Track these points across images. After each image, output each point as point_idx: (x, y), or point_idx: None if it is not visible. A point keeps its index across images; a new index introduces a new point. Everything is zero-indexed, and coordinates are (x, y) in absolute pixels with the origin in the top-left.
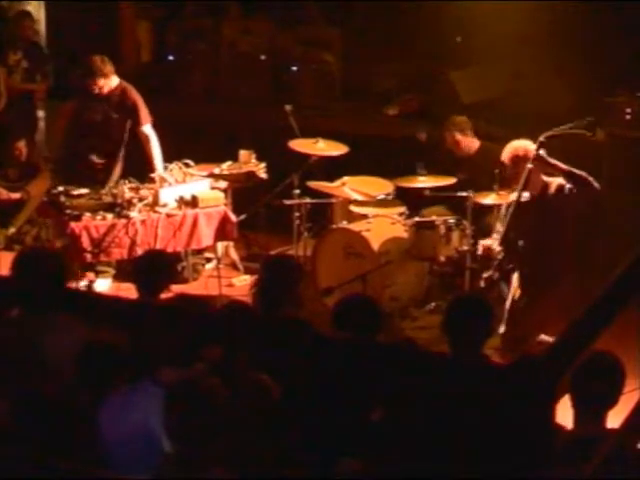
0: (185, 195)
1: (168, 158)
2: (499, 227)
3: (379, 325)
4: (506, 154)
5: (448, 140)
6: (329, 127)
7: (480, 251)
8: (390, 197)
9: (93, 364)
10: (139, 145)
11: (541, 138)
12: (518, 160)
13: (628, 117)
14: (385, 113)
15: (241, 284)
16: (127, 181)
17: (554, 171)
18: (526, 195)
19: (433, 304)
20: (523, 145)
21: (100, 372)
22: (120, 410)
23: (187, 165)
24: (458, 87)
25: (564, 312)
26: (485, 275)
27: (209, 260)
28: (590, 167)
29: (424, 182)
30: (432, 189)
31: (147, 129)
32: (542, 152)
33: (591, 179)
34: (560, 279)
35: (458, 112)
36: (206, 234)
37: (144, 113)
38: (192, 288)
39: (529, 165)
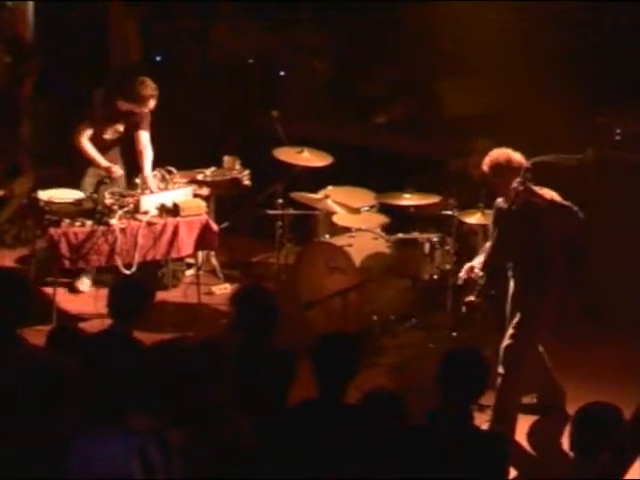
0: (167, 203)
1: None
2: (483, 250)
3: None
4: (486, 163)
5: (473, 162)
6: (316, 134)
7: (461, 278)
8: (374, 209)
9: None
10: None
11: (527, 164)
12: (501, 169)
13: (618, 137)
14: (373, 121)
15: (221, 292)
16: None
17: (537, 200)
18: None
19: (414, 320)
20: (505, 153)
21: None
22: (90, 455)
23: (169, 172)
24: (444, 98)
25: None
26: (466, 300)
27: (190, 266)
28: (578, 187)
29: (409, 200)
30: (417, 207)
31: (144, 134)
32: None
33: (576, 209)
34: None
35: (443, 124)
36: (186, 243)
37: (146, 118)
38: (172, 295)
39: (517, 186)
